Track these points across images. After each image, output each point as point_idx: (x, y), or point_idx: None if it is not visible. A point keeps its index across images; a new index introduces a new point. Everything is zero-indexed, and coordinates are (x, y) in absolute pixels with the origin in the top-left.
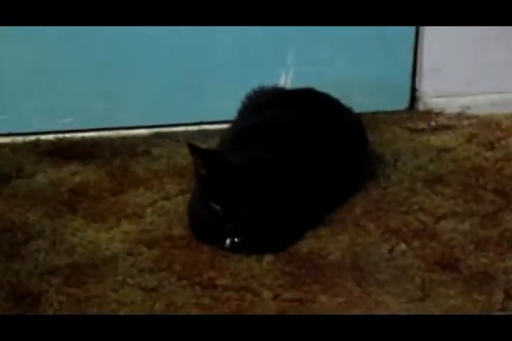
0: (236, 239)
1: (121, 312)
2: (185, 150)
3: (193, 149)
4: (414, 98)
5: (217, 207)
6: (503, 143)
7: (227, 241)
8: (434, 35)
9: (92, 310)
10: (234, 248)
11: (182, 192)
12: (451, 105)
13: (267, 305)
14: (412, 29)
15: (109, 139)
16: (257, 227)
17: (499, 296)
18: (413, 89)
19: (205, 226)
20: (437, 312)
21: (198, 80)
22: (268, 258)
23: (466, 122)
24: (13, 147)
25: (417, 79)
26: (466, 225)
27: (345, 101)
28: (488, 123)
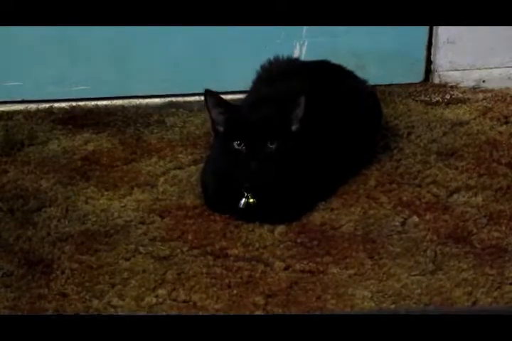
0: (251, 200)
1: (133, 281)
2: (198, 120)
3: (208, 93)
4: (429, 71)
5: (241, 147)
6: None
7: (242, 201)
8: None
9: (104, 278)
10: (248, 209)
11: (195, 161)
12: (466, 78)
13: (278, 276)
14: None
15: (123, 108)
16: (273, 189)
17: (511, 270)
18: (428, 62)
19: (220, 193)
20: (449, 285)
21: (213, 50)
22: (280, 228)
23: (480, 96)
24: (27, 114)
25: (432, 51)
26: (479, 199)
27: (359, 73)
28: (503, 97)
